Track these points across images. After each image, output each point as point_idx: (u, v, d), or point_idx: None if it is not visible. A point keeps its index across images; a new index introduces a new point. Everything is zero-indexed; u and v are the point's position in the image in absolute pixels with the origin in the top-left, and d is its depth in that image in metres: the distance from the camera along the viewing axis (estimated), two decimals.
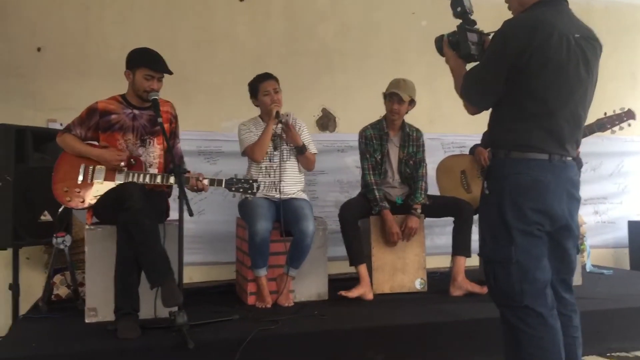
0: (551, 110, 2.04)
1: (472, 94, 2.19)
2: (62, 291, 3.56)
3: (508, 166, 2.07)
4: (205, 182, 3.04)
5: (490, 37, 2.19)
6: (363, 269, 3.65)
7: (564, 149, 2.08)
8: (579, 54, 2.03)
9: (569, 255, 2.18)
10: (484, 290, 3.59)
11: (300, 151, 3.60)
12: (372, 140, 3.85)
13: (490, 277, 2.12)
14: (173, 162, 2.91)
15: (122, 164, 3.03)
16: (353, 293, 3.54)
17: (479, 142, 4.20)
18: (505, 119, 2.12)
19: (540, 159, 2.04)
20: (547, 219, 2.04)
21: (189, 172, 2.98)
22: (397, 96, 3.73)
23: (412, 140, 3.91)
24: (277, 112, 3.53)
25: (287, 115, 3.59)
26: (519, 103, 2.06)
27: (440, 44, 2.35)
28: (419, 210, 3.78)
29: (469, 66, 2.27)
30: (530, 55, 1.98)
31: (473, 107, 2.21)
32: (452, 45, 2.28)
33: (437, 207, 3.86)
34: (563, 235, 2.14)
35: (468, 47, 2.22)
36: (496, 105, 2.16)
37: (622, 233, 5.43)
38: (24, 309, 3.48)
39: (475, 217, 4.17)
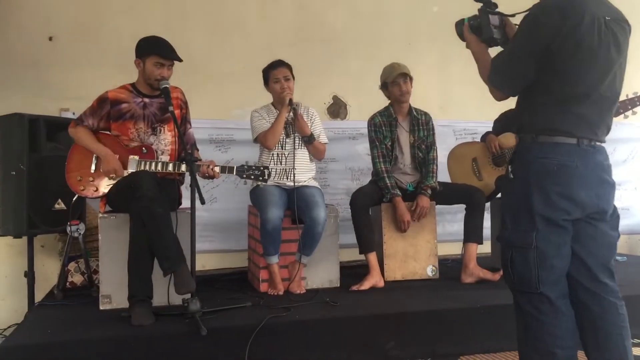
0: (581, 94, 1.99)
1: (501, 80, 2.13)
2: (76, 279, 3.61)
3: (534, 150, 2.03)
4: (217, 169, 3.05)
5: (512, 19, 2.13)
6: (373, 257, 3.65)
7: (594, 133, 2.02)
8: (610, 36, 1.98)
9: (607, 239, 2.09)
10: (496, 277, 3.59)
11: (308, 141, 3.60)
12: (381, 127, 3.84)
13: (507, 262, 2.08)
14: (185, 150, 2.91)
15: (113, 175, 3.05)
16: (365, 285, 3.54)
17: (490, 129, 4.18)
18: (533, 103, 2.07)
19: (568, 143, 1.99)
20: (573, 205, 1.99)
21: (200, 160, 2.99)
22: (402, 76, 3.72)
23: (421, 124, 3.89)
24: (291, 100, 3.52)
25: (296, 105, 3.58)
26: (549, 87, 2.02)
27: (461, 28, 2.28)
28: (429, 192, 3.77)
29: (491, 51, 2.21)
30: (563, 38, 1.93)
31: (501, 93, 2.16)
32: (474, 30, 2.22)
33: (448, 194, 3.85)
34: (598, 220, 2.06)
35: (490, 30, 2.15)
36: (524, 90, 2.11)
37: (637, 220, 5.39)
38: (39, 296, 3.53)
39: (487, 205, 4.19)
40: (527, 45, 2.02)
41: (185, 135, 3.32)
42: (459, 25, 2.30)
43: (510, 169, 2.10)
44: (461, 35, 2.30)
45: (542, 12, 2.00)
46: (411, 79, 3.78)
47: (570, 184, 1.98)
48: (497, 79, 2.13)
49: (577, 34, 1.93)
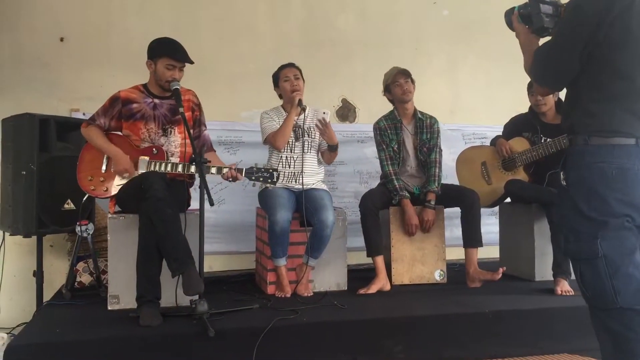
0: (637, 88, 1.83)
1: (542, 73, 2.00)
2: (85, 278, 3.62)
3: (589, 154, 1.85)
4: (239, 172, 3.05)
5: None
6: (380, 260, 3.64)
7: None
8: None
9: None
10: (495, 276, 3.56)
11: (332, 149, 3.58)
12: (386, 131, 3.84)
13: (577, 277, 1.90)
14: (194, 152, 2.92)
15: (126, 175, 3.06)
16: (372, 289, 3.53)
17: (500, 133, 4.16)
18: (583, 101, 1.90)
19: (626, 144, 1.81)
20: (636, 212, 1.81)
21: (209, 161, 3.00)
22: (402, 74, 3.73)
23: (425, 127, 3.88)
24: (300, 100, 3.53)
25: (324, 113, 3.53)
26: (599, 82, 1.85)
27: (510, 17, 2.13)
28: (433, 202, 3.75)
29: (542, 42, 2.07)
30: (610, 26, 1.78)
31: (544, 87, 2.04)
32: (524, 19, 2.07)
33: (442, 197, 3.82)
34: None
35: (541, 20, 1.98)
36: (572, 85, 1.95)
37: None
38: (47, 295, 3.54)
39: (496, 209, 4.17)
40: (570, 35, 1.87)
41: (200, 137, 3.33)
42: (508, 14, 2.14)
43: (562, 176, 1.95)
44: (510, 25, 2.15)
45: None
46: (413, 80, 3.78)
47: (633, 189, 1.81)
48: (538, 73, 2.01)
49: (625, 20, 1.77)
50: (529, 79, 4.23)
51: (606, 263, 1.80)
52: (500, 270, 3.56)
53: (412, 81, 3.79)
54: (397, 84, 3.76)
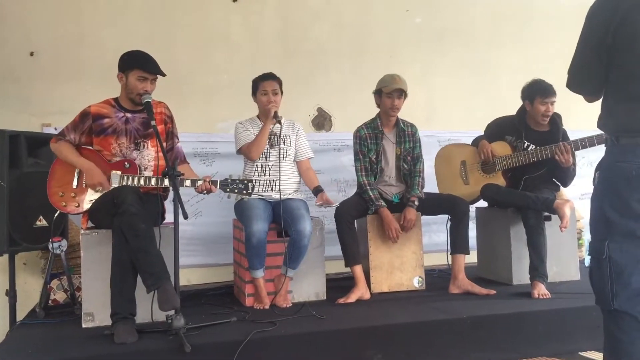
0: None
1: (572, 82, 2.01)
2: (59, 296, 3.56)
3: (613, 154, 1.87)
4: (212, 184, 3.03)
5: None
6: (358, 269, 3.64)
7: None
8: None
9: None
10: (483, 291, 3.58)
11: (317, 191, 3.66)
12: (366, 140, 3.84)
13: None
14: (167, 165, 2.89)
15: (99, 188, 3.02)
16: (351, 298, 3.52)
17: (477, 136, 4.17)
18: (608, 102, 1.93)
19: None
20: None
21: (182, 174, 2.97)
22: (398, 91, 3.72)
23: (407, 136, 3.90)
24: (276, 113, 3.53)
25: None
26: (617, 83, 1.87)
27: None
28: (417, 203, 3.77)
29: None
30: (616, 29, 1.80)
31: (584, 96, 2.04)
32: None
33: (432, 205, 3.85)
34: None
35: None
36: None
37: None
38: (21, 314, 3.46)
39: (472, 214, 4.19)
40: (585, 40, 1.91)
41: (174, 150, 3.31)
42: None
43: (594, 176, 1.96)
44: None
45: (596, 2, 1.89)
46: (406, 96, 3.79)
47: None
48: (570, 82, 2.02)
49: (631, 22, 1.79)
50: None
51: (610, 265, 1.82)
52: (493, 292, 3.60)
53: (405, 96, 3.79)
54: (390, 97, 3.75)
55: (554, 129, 3.87)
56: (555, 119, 3.87)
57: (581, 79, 1.99)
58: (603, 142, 3.25)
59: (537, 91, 3.82)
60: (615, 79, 1.88)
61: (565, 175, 3.87)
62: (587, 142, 3.60)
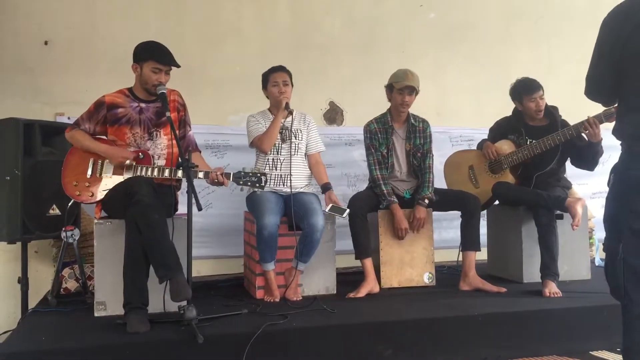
0: None
1: (589, 92, 2.10)
2: (70, 284, 3.58)
3: (627, 161, 1.96)
4: (225, 177, 3.03)
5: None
6: (368, 263, 3.64)
7: None
8: None
9: None
10: (494, 289, 3.57)
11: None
12: (377, 135, 3.83)
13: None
14: (181, 155, 2.89)
15: (128, 161, 3.03)
16: (361, 292, 3.52)
17: (486, 136, 4.18)
18: (621, 110, 2.03)
19: None
20: None
21: (197, 166, 2.97)
22: (410, 88, 3.70)
23: (418, 132, 3.88)
24: (287, 104, 3.52)
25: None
26: (627, 95, 1.97)
27: None
28: (427, 202, 3.76)
29: None
30: (623, 44, 1.89)
31: (594, 101, 2.13)
32: None
33: (443, 201, 3.83)
34: None
35: None
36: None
37: None
38: (33, 302, 3.49)
39: (484, 212, 4.18)
40: (598, 54, 1.99)
41: (186, 137, 3.31)
42: None
43: (608, 179, 2.05)
44: None
45: (607, 17, 1.96)
46: (417, 92, 3.76)
47: None
48: (586, 91, 2.11)
49: (637, 38, 1.86)
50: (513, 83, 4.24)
51: (625, 266, 1.91)
52: (503, 289, 3.59)
53: (417, 93, 3.76)
54: (400, 93, 3.73)
55: (552, 121, 3.86)
56: (551, 111, 3.87)
57: (596, 89, 2.08)
58: (603, 122, 3.28)
59: (522, 90, 3.84)
60: (626, 88, 1.95)
61: (595, 153, 3.75)
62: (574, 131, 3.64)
